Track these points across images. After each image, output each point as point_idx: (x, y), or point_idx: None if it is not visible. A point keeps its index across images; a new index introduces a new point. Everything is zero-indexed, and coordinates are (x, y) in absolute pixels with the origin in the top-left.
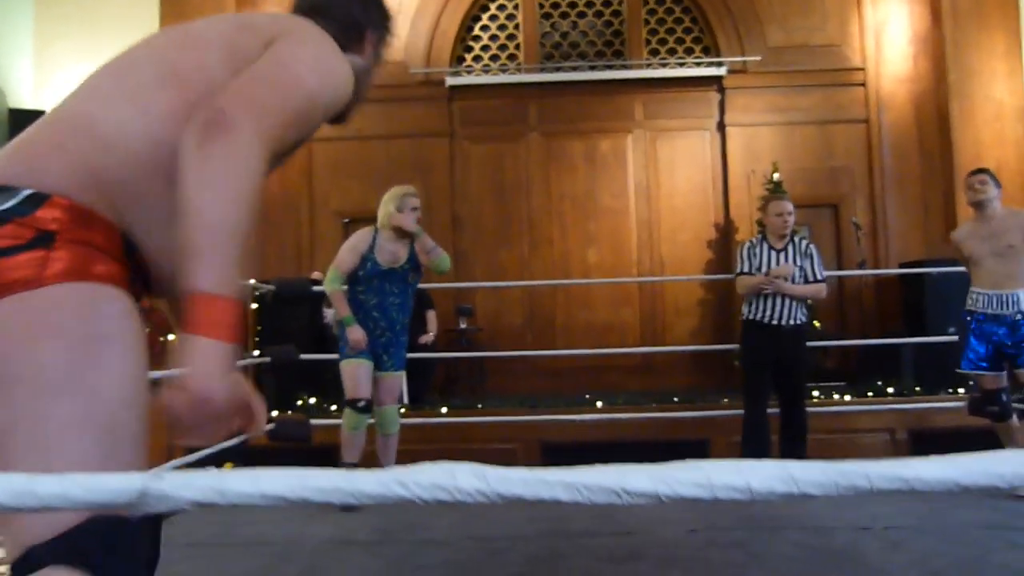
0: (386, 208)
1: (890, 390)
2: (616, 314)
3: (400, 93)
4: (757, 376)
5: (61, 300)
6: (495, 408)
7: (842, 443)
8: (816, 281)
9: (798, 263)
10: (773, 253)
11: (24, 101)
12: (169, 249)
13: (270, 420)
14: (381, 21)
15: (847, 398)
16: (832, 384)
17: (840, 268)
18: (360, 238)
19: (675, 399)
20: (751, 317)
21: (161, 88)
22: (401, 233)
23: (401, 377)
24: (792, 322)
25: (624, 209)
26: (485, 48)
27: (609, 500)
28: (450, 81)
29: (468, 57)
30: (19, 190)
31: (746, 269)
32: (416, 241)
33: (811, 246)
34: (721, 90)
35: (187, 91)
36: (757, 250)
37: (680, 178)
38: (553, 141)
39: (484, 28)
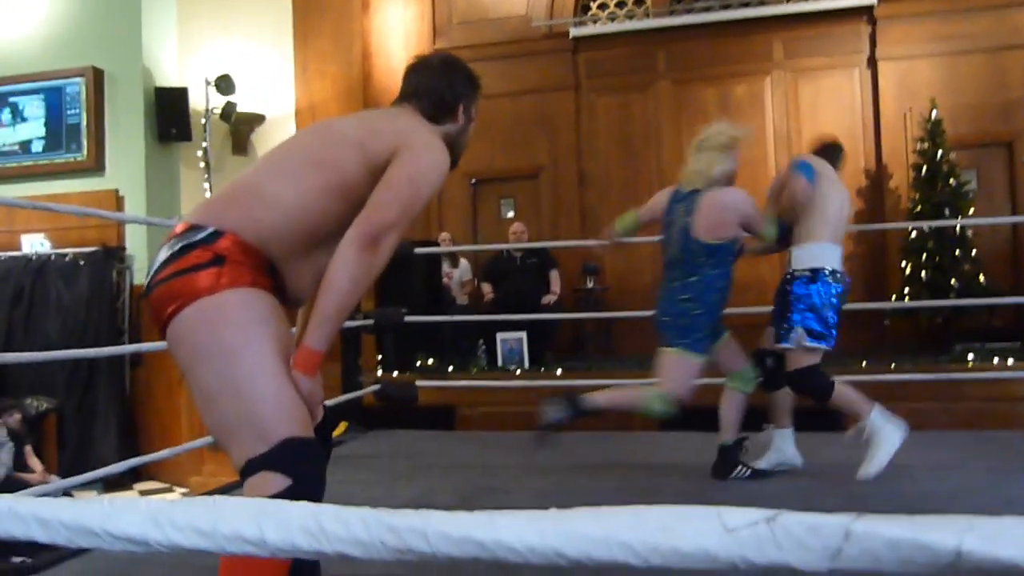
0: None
1: None
2: (754, 270)
3: (523, 48)
4: None
5: (229, 301)
6: (612, 370)
7: (1000, 412)
8: None
9: None
10: None
11: (169, 80)
12: (297, 276)
13: (378, 381)
14: (470, 91)
15: (1012, 362)
16: (1000, 345)
17: (1014, 215)
18: None
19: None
20: None
21: (308, 171)
22: None
23: None
24: None
25: (762, 158)
26: None
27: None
28: (574, 32)
29: (593, 6)
30: (206, 228)
31: None
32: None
33: None
34: (872, 21)
35: (327, 175)
36: None
37: (825, 122)
38: (683, 89)
39: None
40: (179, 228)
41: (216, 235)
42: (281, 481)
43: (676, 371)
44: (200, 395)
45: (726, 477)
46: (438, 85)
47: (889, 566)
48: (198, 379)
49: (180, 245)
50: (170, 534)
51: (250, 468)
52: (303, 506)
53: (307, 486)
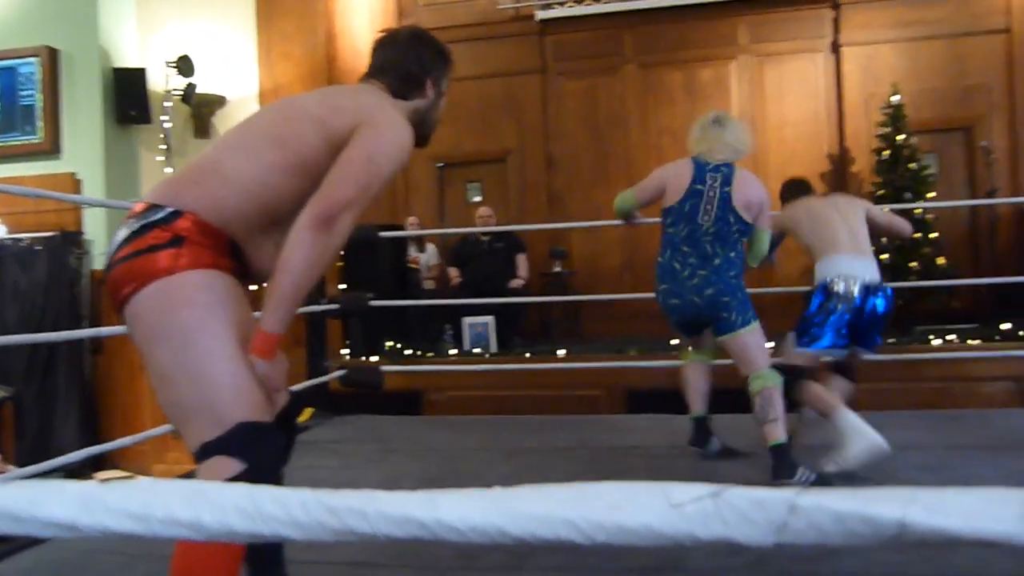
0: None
1: (1021, 334)
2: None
3: (489, 31)
4: None
5: (187, 281)
6: (579, 354)
7: (959, 391)
8: None
9: None
10: None
11: (127, 60)
12: (260, 252)
13: (344, 366)
14: (438, 65)
15: (970, 342)
16: (959, 327)
17: (973, 198)
18: None
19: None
20: None
21: (269, 147)
22: None
23: None
24: None
25: None
26: None
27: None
28: (540, 15)
29: None
30: (165, 208)
31: None
32: None
33: None
34: (836, 6)
35: (286, 151)
36: None
37: (789, 106)
38: (650, 72)
39: None
40: (138, 208)
41: (175, 215)
42: (235, 465)
43: (759, 346)
44: (156, 377)
45: (704, 446)
46: (405, 59)
47: (835, 539)
48: (154, 361)
49: (139, 225)
50: (101, 518)
51: (204, 452)
52: (240, 488)
53: (262, 471)
